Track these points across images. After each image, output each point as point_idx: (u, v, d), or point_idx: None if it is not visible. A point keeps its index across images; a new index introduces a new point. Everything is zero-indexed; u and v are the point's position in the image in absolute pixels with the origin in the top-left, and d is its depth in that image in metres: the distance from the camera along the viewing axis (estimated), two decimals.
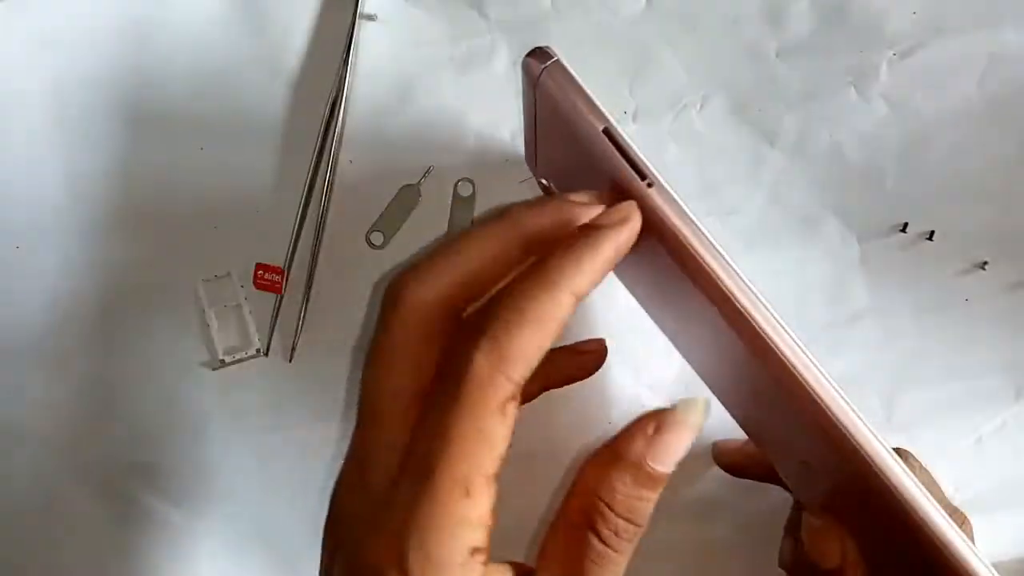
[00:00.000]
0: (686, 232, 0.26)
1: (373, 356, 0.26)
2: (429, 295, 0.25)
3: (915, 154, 0.41)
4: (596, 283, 0.25)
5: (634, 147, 0.27)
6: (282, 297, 0.42)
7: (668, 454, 0.25)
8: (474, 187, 0.42)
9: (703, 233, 0.27)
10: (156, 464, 0.43)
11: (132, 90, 0.41)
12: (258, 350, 0.42)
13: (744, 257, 0.42)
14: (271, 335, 0.42)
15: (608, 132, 0.27)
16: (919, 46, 0.41)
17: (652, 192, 0.26)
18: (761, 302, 0.26)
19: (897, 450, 0.33)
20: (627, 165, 0.27)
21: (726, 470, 0.41)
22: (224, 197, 0.42)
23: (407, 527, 0.23)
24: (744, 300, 0.26)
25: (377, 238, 0.42)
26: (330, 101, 0.40)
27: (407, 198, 0.42)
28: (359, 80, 0.41)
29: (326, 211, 0.41)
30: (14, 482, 0.42)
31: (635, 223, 0.26)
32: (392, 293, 0.26)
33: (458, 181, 0.42)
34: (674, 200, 0.27)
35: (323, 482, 0.43)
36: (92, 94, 0.41)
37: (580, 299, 0.24)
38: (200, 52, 0.41)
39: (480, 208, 0.42)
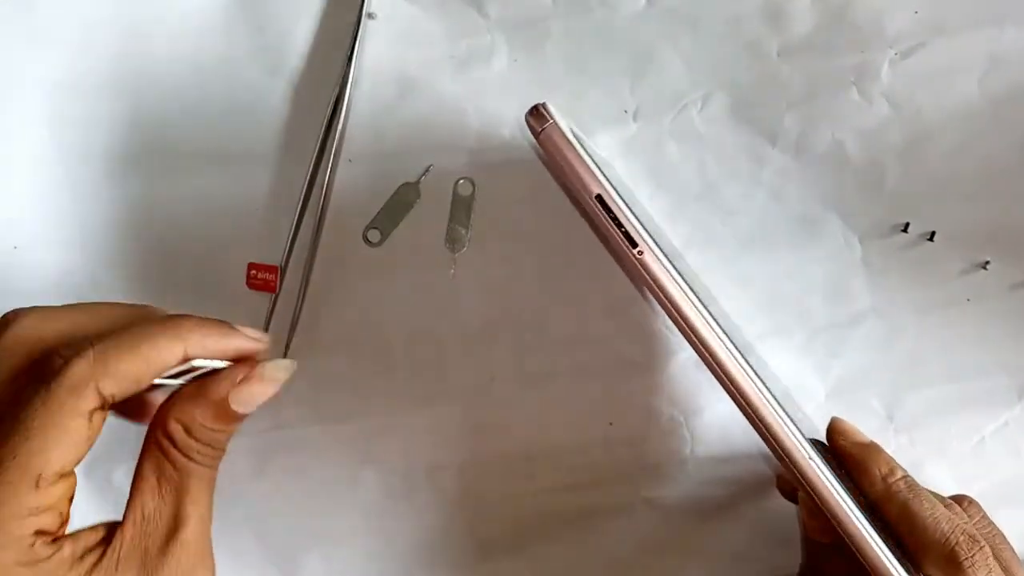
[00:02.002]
0: (671, 291, 0.30)
1: None
2: (46, 331, 0.27)
3: (916, 154, 0.41)
4: (194, 363, 0.28)
5: (627, 211, 0.30)
6: (277, 296, 0.42)
7: (248, 400, 0.29)
8: (474, 186, 0.42)
9: (685, 291, 0.31)
10: None
11: (132, 89, 0.41)
12: None
13: (745, 257, 0.42)
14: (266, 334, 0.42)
15: (601, 199, 0.30)
16: (920, 46, 0.41)
17: (643, 258, 0.30)
18: (731, 351, 0.31)
19: (957, 497, 0.34)
20: (619, 233, 0.30)
21: (787, 498, 0.40)
22: (224, 196, 0.42)
23: None
24: (714, 347, 0.31)
25: (374, 236, 0.42)
26: (332, 99, 0.40)
27: (406, 196, 0.42)
28: (359, 78, 0.41)
29: (325, 209, 0.41)
30: None
31: (254, 387, 0.29)
32: (7, 318, 0.27)
33: (458, 180, 0.42)
34: (661, 264, 0.30)
35: (320, 481, 0.43)
36: (92, 93, 0.41)
37: (187, 361, 0.27)
38: (200, 51, 0.41)
39: (480, 208, 0.42)
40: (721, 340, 0.31)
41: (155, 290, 0.42)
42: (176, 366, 0.27)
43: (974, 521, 0.34)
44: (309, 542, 0.44)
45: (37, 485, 0.25)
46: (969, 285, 0.42)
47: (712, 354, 0.30)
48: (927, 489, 0.33)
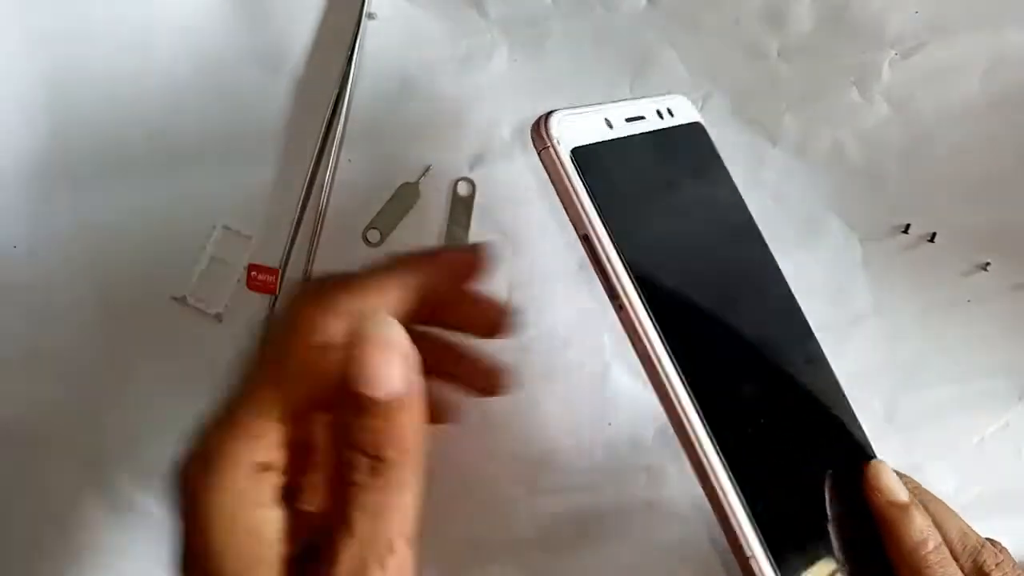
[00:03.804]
0: (647, 347, 0.28)
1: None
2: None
3: (917, 154, 0.41)
4: None
5: (613, 254, 0.28)
6: (276, 297, 0.42)
7: (372, 374, 0.25)
8: (473, 186, 0.42)
9: (658, 350, 0.28)
10: (156, 464, 0.43)
11: (132, 88, 0.41)
12: (218, 314, 0.42)
13: None
14: (266, 334, 0.42)
15: (587, 240, 0.28)
16: (921, 46, 0.41)
17: (620, 313, 0.28)
18: (688, 414, 0.28)
19: (990, 540, 0.33)
20: (602, 281, 0.28)
21: None
22: (224, 196, 0.42)
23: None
24: (675, 403, 0.28)
25: (374, 236, 0.42)
26: (332, 99, 0.40)
27: (406, 196, 0.42)
28: (359, 78, 0.41)
29: (325, 209, 0.41)
30: (14, 482, 0.42)
31: None
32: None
33: (457, 180, 0.42)
34: (638, 322, 0.28)
35: None
36: (92, 91, 0.41)
37: None
38: (200, 51, 0.41)
39: (479, 208, 0.42)
40: (687, 418, 0.28)
41: (155, 289, 0.42)
42: None
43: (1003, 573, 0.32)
44: None
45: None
46: (970, 286, 0.42)
47: (677, 425, 0.28)
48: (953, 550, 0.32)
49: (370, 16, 0.41)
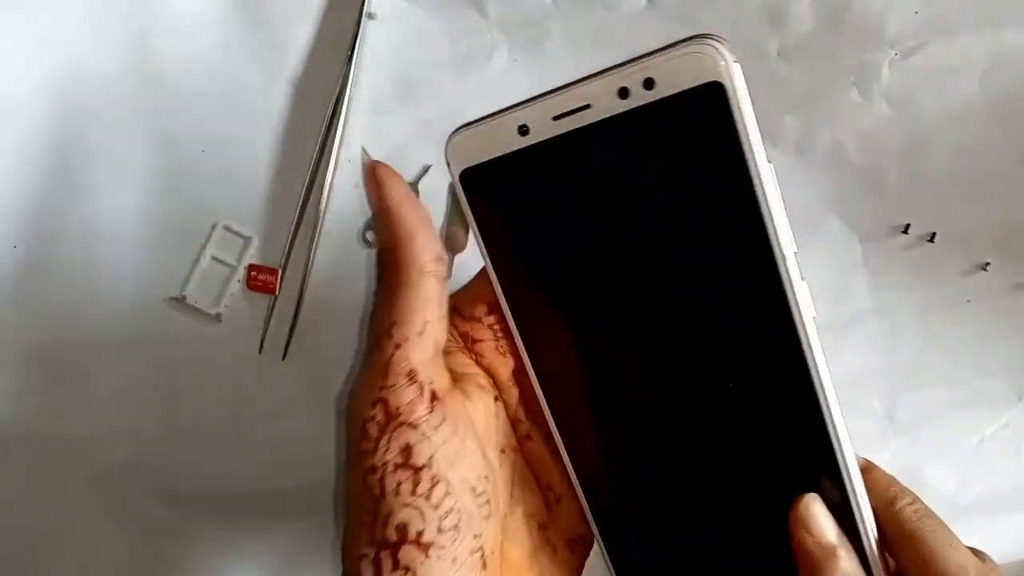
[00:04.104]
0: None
1: None
2: None
3: (917, 155, 0.41)
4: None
5: (497, 285, 0.28)
6: (277, 297, 0.42)
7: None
8: None
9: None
10: (156, 464, 0.43)
11: (132, 88, 0.41)
12: (218, 314, 0.42)
13: None
14: (265, 333, 0.42)
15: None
16: (921, 46, 0.41)
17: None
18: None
19: (975, 551, 0.31)
20: None
21: None
22: (224, 196, 0.42)
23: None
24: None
25: (373, 236, 0.42)
26: (332, 99, 0.40)
27: None
28: (359, 78, 0.41)
29: (325, 210, 0.41)
30: (14, 482, 0.42)
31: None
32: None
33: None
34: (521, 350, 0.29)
35: (320, 479, 0.43)
36: (92, 92, 0.41)
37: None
38: (200, 51, 0.41)
39: None
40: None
41: (155, 290, 0.42)
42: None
43: None
44: (309, 539, 0.44)
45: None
46: (969, 286, 0.42)
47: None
48: None
49: (370, 16, 0.41)
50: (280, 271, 0.42)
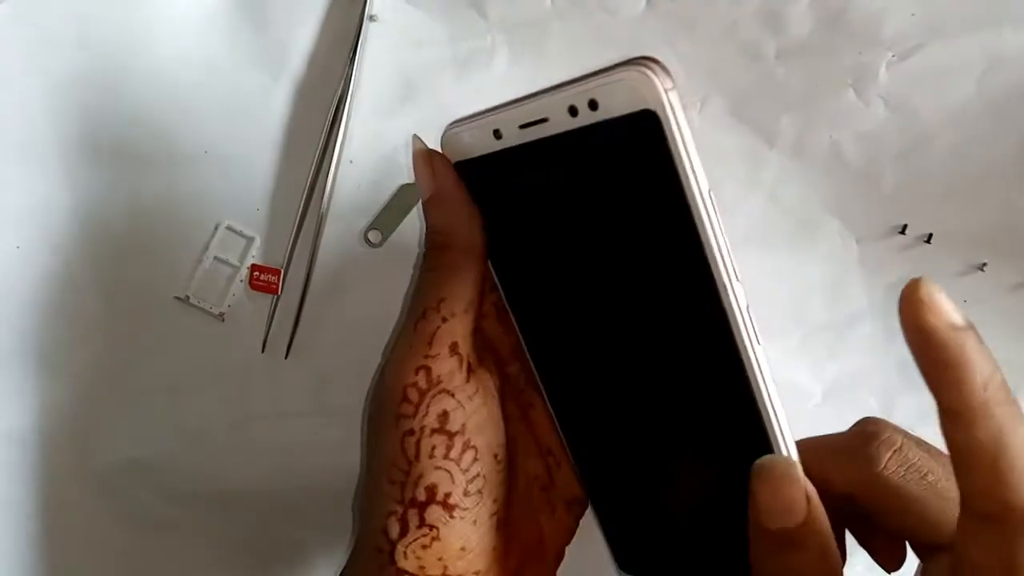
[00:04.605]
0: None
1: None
2: None
3: (914, 155, 0.41)
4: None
5: None
6: (279, 297, 0.42)
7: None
8: None
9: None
10: (156, 464, 0.43)
11: (134, 90, 0.41)
12: (221, 314, 0.42)
13: (742, 258, 0.42)
14: (267, 333, 0.42)
15: None
16: (918, 47, 0.41)
17: None
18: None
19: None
20: None
21: None
22: (226, 196, 0.42)
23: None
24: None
25: (375, 236, 0.42)
26: (334, 101, 0.41)
27: (405, 197, 0.42)
28: (360, 80, 0.41)
29: (327, 210, 0.41)
30: (14, 482, 0.42)
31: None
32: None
33: None
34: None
35: (322, 479, 0.43)
36: (93, 93, 0.41)
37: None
38: (201, 53, 0.41)
39: None
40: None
41: (158, 289, 0.42)
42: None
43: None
44: (310, 539, 0.44)
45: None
46: (966, 287, 0.42)
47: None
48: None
49: (371, 18, 0.41)
50: (283, 271, 0.42)
